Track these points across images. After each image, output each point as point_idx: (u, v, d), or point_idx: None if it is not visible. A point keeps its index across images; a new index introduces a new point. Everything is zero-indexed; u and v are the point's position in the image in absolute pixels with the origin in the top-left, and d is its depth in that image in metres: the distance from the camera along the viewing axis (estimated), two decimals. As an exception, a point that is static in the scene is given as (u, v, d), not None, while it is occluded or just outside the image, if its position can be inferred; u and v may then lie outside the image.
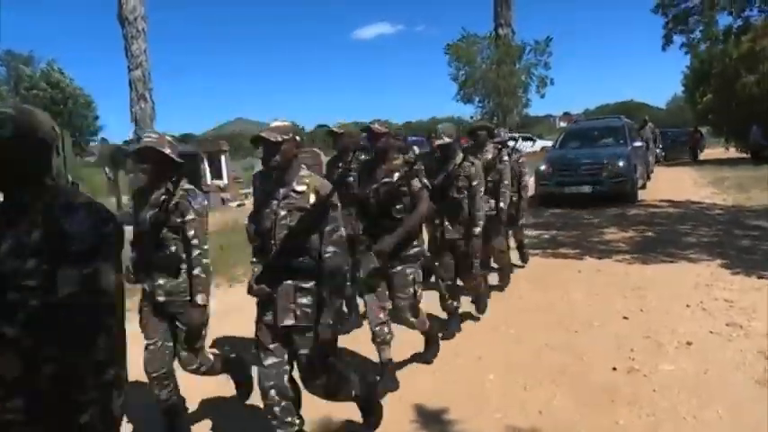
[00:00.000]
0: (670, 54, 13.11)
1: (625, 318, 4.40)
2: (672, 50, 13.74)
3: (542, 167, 11.01)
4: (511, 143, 5.71)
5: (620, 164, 10.30)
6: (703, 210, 9.74)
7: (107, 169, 14.28)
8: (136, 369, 2.56)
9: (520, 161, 5.61)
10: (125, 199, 13.61)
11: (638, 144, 11.88)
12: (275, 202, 2.41)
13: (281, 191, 2.41)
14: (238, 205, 15.17)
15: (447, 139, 3.80)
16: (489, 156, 4.79)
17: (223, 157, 16.94)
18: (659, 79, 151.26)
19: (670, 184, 14.10)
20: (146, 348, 2.75)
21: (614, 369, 3.47)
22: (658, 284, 5.25)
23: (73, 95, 34.72)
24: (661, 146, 21.66)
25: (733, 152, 22.26)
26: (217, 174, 16.75)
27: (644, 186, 12.47)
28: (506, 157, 4.86)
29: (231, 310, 5.14)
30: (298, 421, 2.47)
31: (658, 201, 11.03)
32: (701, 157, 22.00)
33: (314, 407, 2.77)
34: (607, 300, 4.91)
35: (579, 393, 3.19)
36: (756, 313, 4.26)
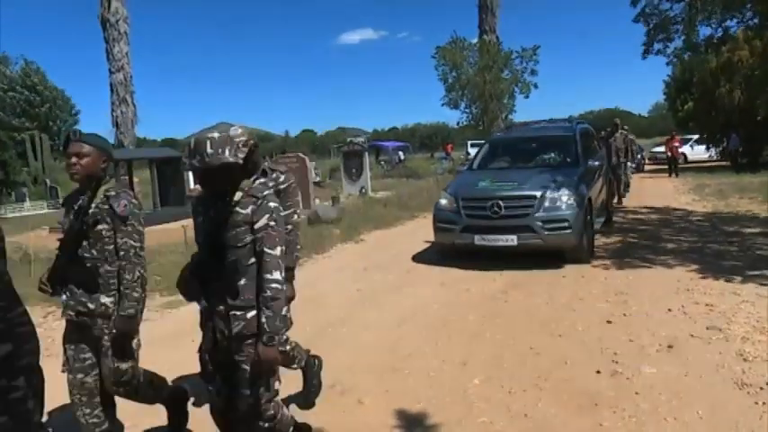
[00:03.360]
0: (652, 62, 13.34)
1: (608, 322, 4.45)
2: (655, 59, 13.99)
3: (442, 201, 7.09)
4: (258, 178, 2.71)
5: (564, 199, 6.40)
6: (684, 216, 9.91)
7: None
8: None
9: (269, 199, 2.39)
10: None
11: (596, 163, 7.90)
12: None
13: None
14: (222, 210, 15.03)
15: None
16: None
17: (207, 162, 16.79)
18: (642, 87, 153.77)
19: (651, 191, 14.34)
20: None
21: (598, 372, 3.51)
22: (640, 289, 5.32)
23: (51, 98, 34.25)
24: (640, 156, 20.44)
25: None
26: (201, 179, 16.59)
27: (608, 220, 9.05)
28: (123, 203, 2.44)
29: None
30: None
31: (640, 207, 11.21)
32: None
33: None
34: (590, 304, 4.96)
35: (563, 397, 3.21)
36: (735, 317, 4.34)
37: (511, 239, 6.33)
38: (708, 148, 23.05)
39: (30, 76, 33.92)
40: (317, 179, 19.06)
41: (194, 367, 3.93)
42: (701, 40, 13.07)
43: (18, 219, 15.91)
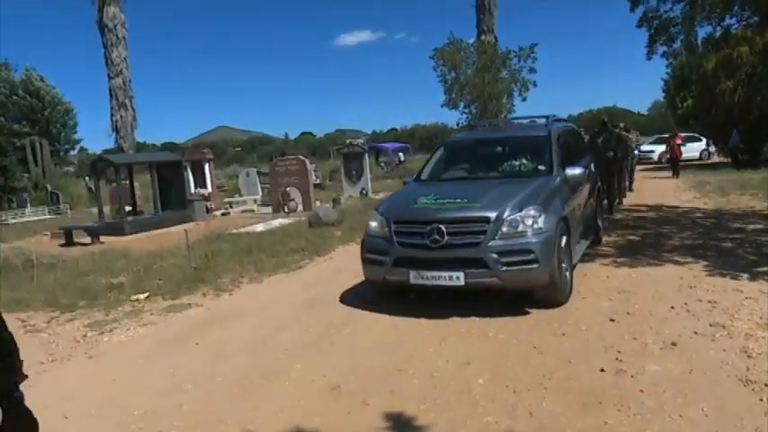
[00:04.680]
0: (652, 61, 13.19)
1: (611, 320, 4.44)
2: (654, 56, 13.96)
3: (372, 224, 5.38)
4: None
5: (529, 222, 4.75)
6: (686, 213, 9.91)
7: (87, 179, 14.11)
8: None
9: None
10: (106, 209, 13.48)
11: (576, 171, 5.85)
12: None
13: None
14: (222, 214, 15.07)
15: None
16: None
17: (207, 166, 16.82)
18: (641, 85, 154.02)
19: (652, 190, 14.34)
20: None
21: (602, 371, 3.50)
22: (643, 287, 5.31)
23: (52, 103, 34.36)
24: (637, 156, 20.06)
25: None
26: (201, 182, 16.63)
27: (597, 240, 7.35)
28: None
29: (217, 318, 5.10)
30: None
31: (641, 205, 11.20)
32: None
33: None
34: (593, 303, 4.96)
35: (568, 395, 3.21)
36: (738, 313, 4.33)
37: (456, 277, 4.67)
38: (708, 146, 23.02)
39: (32, 81, 34.00)
40: (317, 181, 19.11)
41: (196, 369, 3.95)
42: (702, 39, 13.09)
43: (20, 224, 15.92)
